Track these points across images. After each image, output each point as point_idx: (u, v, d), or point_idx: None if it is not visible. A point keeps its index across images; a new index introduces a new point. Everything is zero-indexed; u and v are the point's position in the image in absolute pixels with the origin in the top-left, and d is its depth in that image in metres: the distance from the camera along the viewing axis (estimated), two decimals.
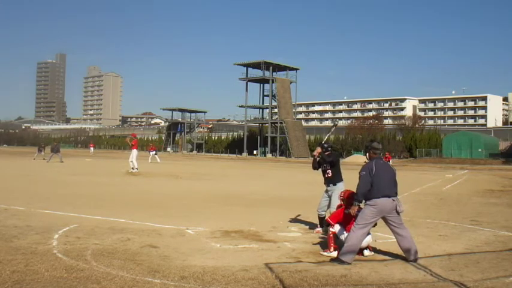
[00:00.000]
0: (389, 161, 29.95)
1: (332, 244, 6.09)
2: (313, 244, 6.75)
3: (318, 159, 7.70)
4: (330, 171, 7.62)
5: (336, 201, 7.36)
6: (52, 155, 31.54)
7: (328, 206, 7.61)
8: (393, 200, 5.76)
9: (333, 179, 7.60)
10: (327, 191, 7.71)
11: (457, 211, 10.97)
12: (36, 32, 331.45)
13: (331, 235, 6.15)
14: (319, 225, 7.75)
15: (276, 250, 6.33)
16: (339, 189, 7.38)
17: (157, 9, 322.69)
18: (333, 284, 4.73)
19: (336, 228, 6.14)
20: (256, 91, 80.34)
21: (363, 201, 5.91)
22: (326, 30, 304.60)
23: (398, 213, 5.79)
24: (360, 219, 5.77)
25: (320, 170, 7.81)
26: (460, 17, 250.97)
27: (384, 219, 5.85)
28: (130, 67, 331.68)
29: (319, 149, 7.67)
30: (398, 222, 5.82)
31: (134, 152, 21.98)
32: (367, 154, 6.10)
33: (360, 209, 5.97)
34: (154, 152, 37.64)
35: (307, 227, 8.24)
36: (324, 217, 7.58)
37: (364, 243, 5.95)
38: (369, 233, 5.99)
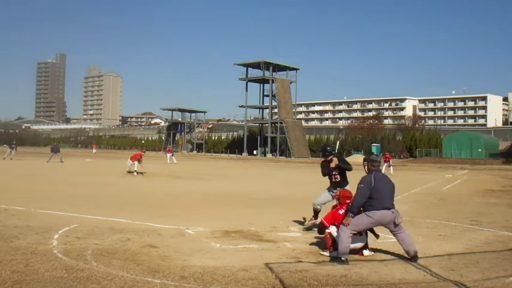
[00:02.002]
0: (389, 161, 29.90)
1: (330, 244, 6.10)
2: (313, 244, 6.75)
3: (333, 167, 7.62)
4: (338, 176, 7.63)
5: None
6: (52, 155, 31.49)
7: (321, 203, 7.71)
8: (392, 212, 5.81)
9: (341, 183, 7.60)
10: (330, 190, 7.71)
11: (457, 211, 10.97)
12: (36, 32, 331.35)
13: (328, 235, 6.16)
14: (313, 217, 7.82)
15: (276, 250, 6.33)
16: None
17: (157, 9, 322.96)
18: (333, 284, 4.73)
19: (332, 229, 6.11)
20: (256, 91, 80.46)
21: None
22: (326, 30, 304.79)
23: (396, 225, 5.83)
24: (354, 224, 5.80)
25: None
26: (460, 17, 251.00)
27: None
28: (130, 67, 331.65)
29: (336, 161, 7.55)
30: (397, 229, 5.89)
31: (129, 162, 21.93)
32: (366, 167, 6.13)
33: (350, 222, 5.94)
34: (171, 154, 38.02)
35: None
36: (319, 211, 7.70)
37: (359, 244, 5.98)
38: (366, 234, 6.04)
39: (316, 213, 7.82)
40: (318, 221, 7.35)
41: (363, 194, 5.80)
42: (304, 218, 9.01)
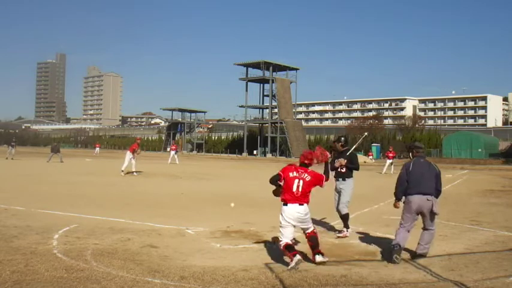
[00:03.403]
0: (391, 158, 29.06)
1: (287, 254, 5.41)
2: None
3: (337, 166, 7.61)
4: (345, 168, 7.61)
5: (346, 196, 7.39)
6: (52, 155, 31.50)
7: (338, 203, 7.59)
8: (428, 199, 5.79)
9: (345, 174, 7.62)
10: (335, 188, 7.70)
11: (457, 211, 10.96)
12: (36, 32, 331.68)
13: (283, 248, 5.46)
14: (344, 227, 7.53)
15: (276, 250, 6.32)
16: (348, 184, 7.48)
17: (157, 9, 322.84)
18: (333, 284, 4.73)
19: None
20: (256, 91, 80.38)
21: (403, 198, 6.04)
22: (326, 30, 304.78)
23: (433, 213, 5.81)
24: (401, 218, 5.93)
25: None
26: (460, 17, 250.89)
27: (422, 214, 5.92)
28: (131, 67, 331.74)
29: (342, 162, 7.52)
30: (430, 224, 5.90)
31: (128, 154, 21.56)
32: (411, 154, 6.27)
33: (398, 205, 6.08)
34: (175, 152, 35.14)
35: None
36: (346, 214, 7.51)
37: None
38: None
39: (343, 220, 7.59)
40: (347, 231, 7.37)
41: (402, 178, 5.95)
42: None
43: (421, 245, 5.90)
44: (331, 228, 8.11)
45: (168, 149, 47.78)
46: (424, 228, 5.95)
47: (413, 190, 5.82)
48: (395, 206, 6.11)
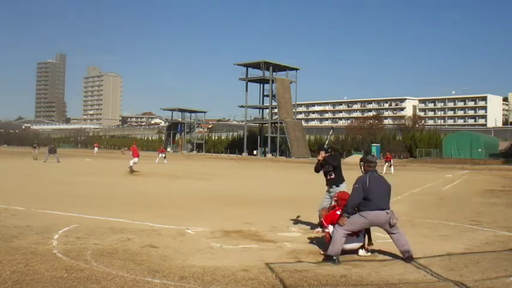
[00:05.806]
0: (390, 161, 29.91)
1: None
2: (313, 244, 6.75)
3: (321, 162, 7.72)
4: (332, 173, 7.65)
5: None
6: (49, 155, 31.62)
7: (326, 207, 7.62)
8: (387, 213, 5.80)
9: (336, 181, 7.64)
10: (329, 192, 7.72)
11: (457, 211, 10.97)
12: (36, 32, 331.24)
13: (327, 235, 6.17)
14: (319, 226, 7.76)
15: (276, 250, 6.33)
16: (341, 190, 7.45)
17: (158, 9, 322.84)
18: (333, 284, 4.73)
19: (330, 229, 6.15)
20: (256, 91, 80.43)
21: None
22: (326, 30, 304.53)
23: (391, 225, 5.82)
24: (349, 223, 5.83)
25: (321, 171, 7.85)
26: (459, 17, 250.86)
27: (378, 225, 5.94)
28: (131, 67, 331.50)
29: (323, 154, 7.70)
30: (392, 229, 5.88)
31: (135, 159, 22.32)
32: (362, 167, 6.19)
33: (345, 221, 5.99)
34: (163, 155, 37.44)
35: (308, 227, 8.24)
36: None
37: (356, 245, 6.01)
38: (364, 235, 6.05)
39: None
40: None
41: (357, 194, 5.84)
42: (298, 216, 9.14)
43: (404, 245, 5.78)
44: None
45: (168, 149, 48.21)
46: (390, 234, 5.87)
47: (373, 206, 5.74)
48: (342, 222, 5.83)
